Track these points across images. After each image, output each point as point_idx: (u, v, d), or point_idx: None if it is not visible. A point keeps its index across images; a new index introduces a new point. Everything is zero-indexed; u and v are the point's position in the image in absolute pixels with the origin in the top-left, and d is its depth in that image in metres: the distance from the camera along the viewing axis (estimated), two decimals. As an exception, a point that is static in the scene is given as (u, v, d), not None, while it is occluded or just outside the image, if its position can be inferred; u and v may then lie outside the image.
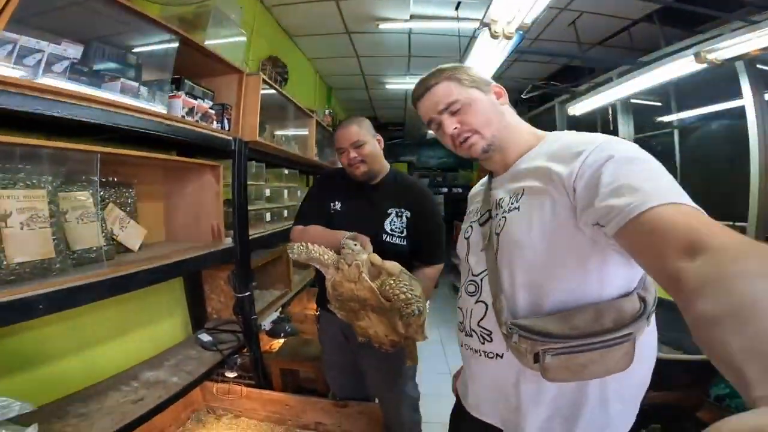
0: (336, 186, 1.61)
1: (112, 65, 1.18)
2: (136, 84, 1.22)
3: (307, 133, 2.99)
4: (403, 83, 5.36)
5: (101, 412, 1.20)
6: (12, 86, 0.84)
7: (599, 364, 0.70)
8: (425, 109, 0.93)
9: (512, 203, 0.84)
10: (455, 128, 0.89)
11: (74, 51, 1.05)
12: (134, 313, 1.61)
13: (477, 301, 0.88)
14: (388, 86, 5.52)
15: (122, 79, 1.17)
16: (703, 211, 0.57)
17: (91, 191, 1.15)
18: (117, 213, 1.36)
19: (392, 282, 1.05)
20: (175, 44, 1.36)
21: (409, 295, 1.03)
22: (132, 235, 1.40)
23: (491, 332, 0.85)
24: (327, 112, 4.24)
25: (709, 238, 0.49)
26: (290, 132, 2.83)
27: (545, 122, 4.89)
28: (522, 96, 4.66)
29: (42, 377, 1.23)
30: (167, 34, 1.33)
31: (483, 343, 0.87)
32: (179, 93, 1.46)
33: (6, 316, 0.84)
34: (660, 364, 0.85)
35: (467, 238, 0.98)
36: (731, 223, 2.69)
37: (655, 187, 0.61)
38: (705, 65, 2.42)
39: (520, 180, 0.85)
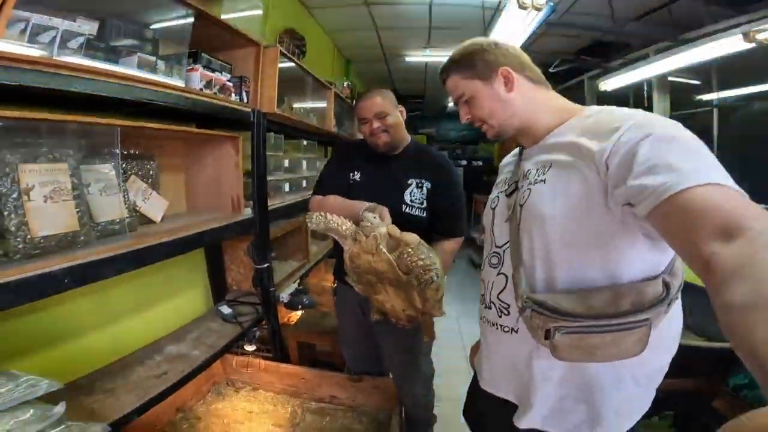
0: (356, 156, 1.60)
1: (128, 40, 1.17)
2: (153, 58, 1.21)
3: (325, 105, 2.96)
4: (423, 56, 5.18)
5: (126, 388, 1.23)
6: (26, 63, 0.83)
7: (611, 347, 0.68)
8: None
9: (539, 175, 0.82)
10: (468, 118, 0.95)
11: (89, 27, 1.03)
12: (157, 285, 1.64)
13: (498, 274, 0.87)
14: (407, 59, 5.35)
15: (139, 54, 1.16)
16: (744, 193, 0.54)
17: (113, 164, 1.16)
18: (139, 185, 1.38)
19: (410, 250, 1.04)
20: (191, 18, 1.33)
21: (428, 262, 1.02)
22: (154, 206, 1.42)
23: (509, 305, 0.84)
24: (345, 84, 4.16)
25: (747, 221, 0.46)
26: (309, 104, 2.80)
27: (573, 97, 4.64)
28: (549, 70, 4.46)
29: (69, 353, 1.26)
30: (183, 8, 1.31)
31: (500, 317, 0.87)
32: (197, 66, 1.45)
33: (32, 291, 0.84)
34: (680, 350, 0.82)
35: (493, 209, 0.96)
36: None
37: (695, 167, 0.57)
38: (753, 44, 2.31)
39: (549, 153, 0.83)
